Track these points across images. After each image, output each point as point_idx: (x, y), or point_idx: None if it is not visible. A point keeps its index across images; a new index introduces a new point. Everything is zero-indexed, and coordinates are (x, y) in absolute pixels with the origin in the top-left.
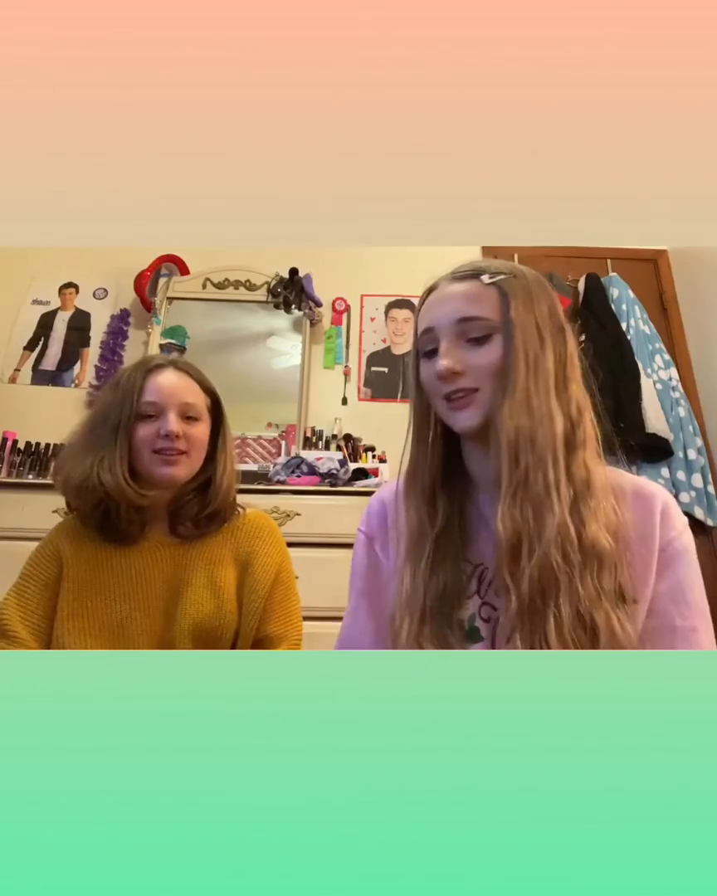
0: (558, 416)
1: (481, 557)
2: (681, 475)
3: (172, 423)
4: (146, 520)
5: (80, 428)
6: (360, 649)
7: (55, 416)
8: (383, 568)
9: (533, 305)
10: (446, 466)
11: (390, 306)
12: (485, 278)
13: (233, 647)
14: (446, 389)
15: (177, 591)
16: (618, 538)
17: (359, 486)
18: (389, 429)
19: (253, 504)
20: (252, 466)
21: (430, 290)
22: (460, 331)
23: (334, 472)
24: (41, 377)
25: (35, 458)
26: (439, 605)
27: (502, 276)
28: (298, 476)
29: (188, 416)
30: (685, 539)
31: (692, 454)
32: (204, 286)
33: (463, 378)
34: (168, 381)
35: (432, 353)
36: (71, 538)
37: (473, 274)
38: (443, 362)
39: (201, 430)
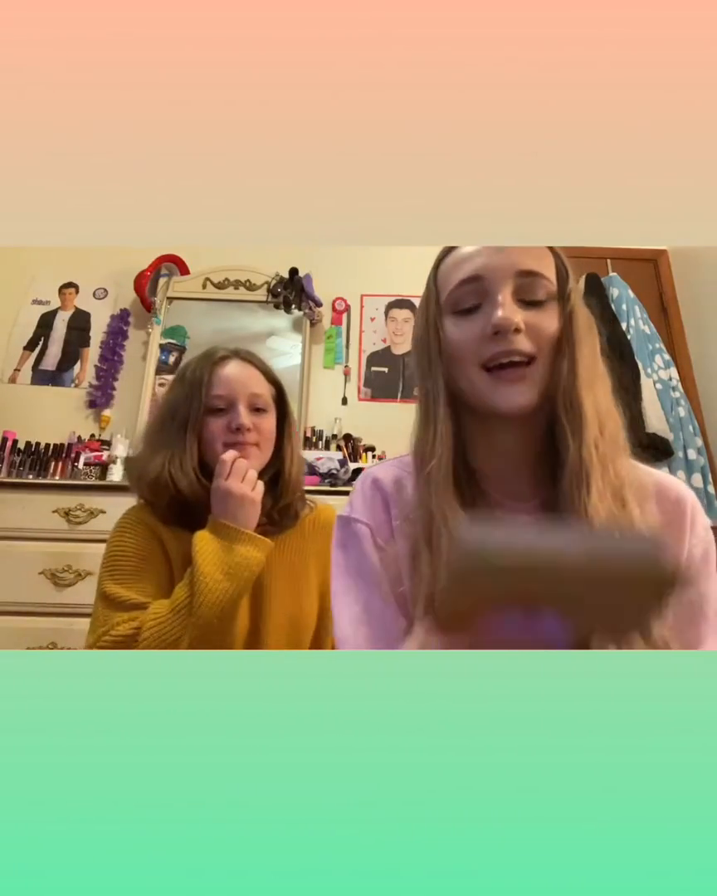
0: (616, 407)
1: None
2: (681, 475)
3: (243, 416)
4: None
5: (149, 424)
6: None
7: (55, 416)
8: (391, 565)
9: (578, 286)
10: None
11: (390, 306)
12: None
13: (315, 638)
14: (495, 349)
15: (260, 585)
16: None
17: None
18: (389, 429)
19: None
20: None
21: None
22: (519, 285)
23: (334, 472)
24: (41, 377)
25: (35, 458)
26: None
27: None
28: None
29: (256, 408)
30: (709, 544)
31: (692, 454)
32: (204, 286)
33: (521, 339)
34: (235, 373)
35: (471, 311)
36: (160, 534)
37: None
38: (501, 312)
39: (269, 422)
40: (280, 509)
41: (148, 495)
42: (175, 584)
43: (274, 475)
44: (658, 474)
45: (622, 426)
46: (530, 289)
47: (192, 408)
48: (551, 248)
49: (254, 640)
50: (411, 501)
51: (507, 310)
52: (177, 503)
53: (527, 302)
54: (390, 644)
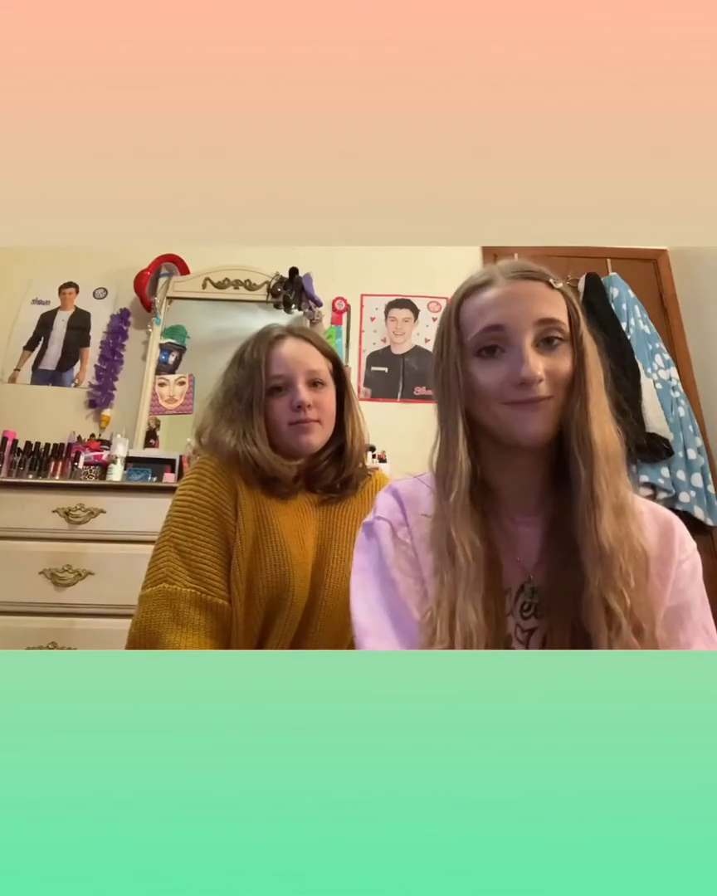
0: (619, 434)
1: (508, 582)
2: (681, 475)
3: (303, 393)
4: (296, 478)
5: (215, 400)
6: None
7: (55, 416)
8: (413, 557)
9: (585, 320)
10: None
11: (389, 306)
12: (553, 281)
13: None
14: (519, 396)
15: (325, 547)
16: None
17: None
18: (389, 429)
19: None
20: None
21: (480, 285)
22: (538, 332)
23: None
24: (41, 377)
25: (35, 457)
26: (492, 636)
27: (563, 283)
28: None
29: (315, 383)
30: (696, 560)
31: (692, 454)
32: (204, 286)
33: (542, 387)
34: (291, 351)
35: (494, 355)
36: (239, 489)
37: (538, 275)
38: (527, 367)
39: (329, 396)
40: (342, 480)
41: (230, 463)
42: (237, 538)
43: (337, 448)
44: (648, 502)
45: (621, 450)
46: (547, 334)
47: (254, 389)
48: (562, 292)
49: (313, 601)
50: (427, 506)
51: (531, 363)
52: (255, 472)
53: (544, 344)
54: (405, 633)
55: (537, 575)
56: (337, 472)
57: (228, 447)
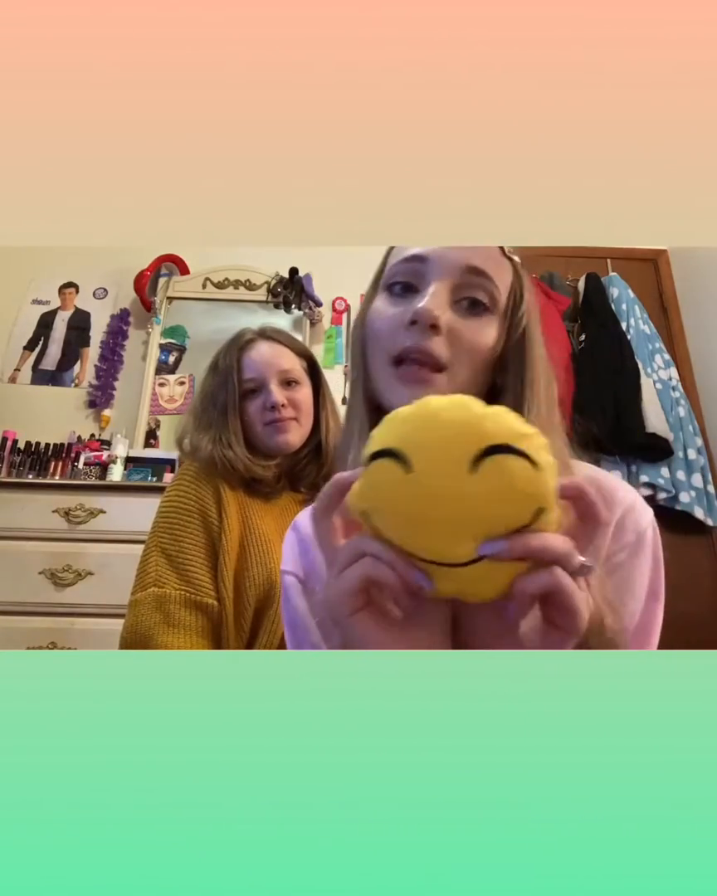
0: (570, 457)
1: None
2: (681, 475)
3: (275, 393)
4: (278, 477)
5: (193, 408)
6: None
7: (55, 416)
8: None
9: (534, 316)
10: None
11: None
12: (507, 251)
13: None
14: (405, 343)
15: None
16: None
17: None
18: None
19: None
20: None
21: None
22: (461, 282)
23: None
24: (41, 377)
25: (35, 457)
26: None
27: (518, 258)
28: None
29: (288, 382)
30: (640, 530)
31: (692, 454)
32: (204, 286)
33: (437, 341)
34: (261, 354)
35: (404, 294)
36: (222, 491)
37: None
38: (426, 303)
39: (304, 394)
40: (325, 477)
41: (208, 468)
42: (223, 539)
43: (316, 446)
44: (594, 473)
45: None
46: (472, 289)
47: (228, 393)
48: (513, 263)
49: None
50: None
51: (433, 301)
52: (234, 474)
53: (465, 304)
54: None
55: None
56: (318, 469)
57: (205, 451)
